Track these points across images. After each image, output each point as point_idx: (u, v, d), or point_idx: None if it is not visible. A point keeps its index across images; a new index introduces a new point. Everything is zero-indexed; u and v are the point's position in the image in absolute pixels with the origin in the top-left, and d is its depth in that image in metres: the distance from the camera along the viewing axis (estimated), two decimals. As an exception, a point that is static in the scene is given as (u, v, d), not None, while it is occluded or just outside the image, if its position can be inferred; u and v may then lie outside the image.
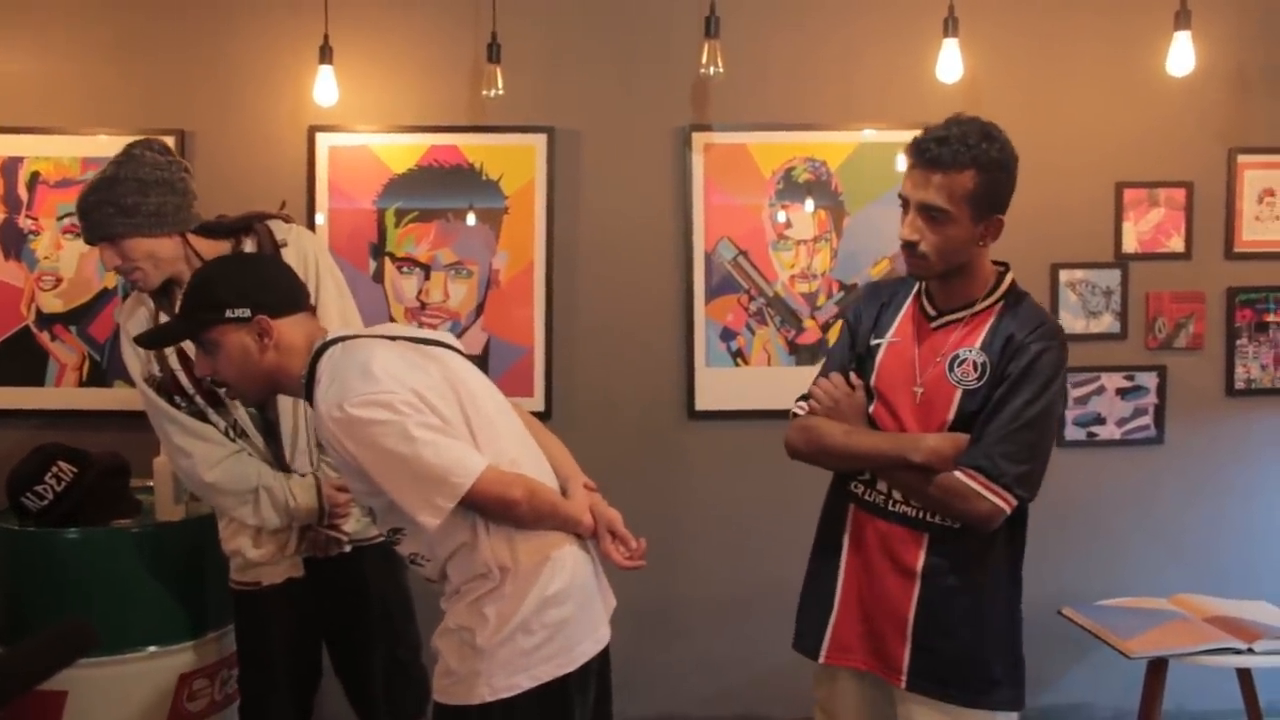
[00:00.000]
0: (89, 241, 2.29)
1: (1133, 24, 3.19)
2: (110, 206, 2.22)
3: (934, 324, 1.98)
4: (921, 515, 1.94)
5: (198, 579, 2.70)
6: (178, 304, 2.13)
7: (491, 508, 1.77)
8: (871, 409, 2.00)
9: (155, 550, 2.66)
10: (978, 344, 1.92)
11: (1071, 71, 3.23)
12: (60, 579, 2.64)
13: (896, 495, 1.96)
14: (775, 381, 3.23)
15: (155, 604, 2.67)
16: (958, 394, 1.90)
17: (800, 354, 3.27)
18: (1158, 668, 2.77)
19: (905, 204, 1.92)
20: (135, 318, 2.37)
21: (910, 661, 1.93)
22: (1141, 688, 2.81)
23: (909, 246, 1.91)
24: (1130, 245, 3.26)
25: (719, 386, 3.25)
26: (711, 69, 2.96)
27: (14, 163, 3.18)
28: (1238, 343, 3.29)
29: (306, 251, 2.40)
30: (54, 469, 2.66)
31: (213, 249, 2.33)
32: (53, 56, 3.18)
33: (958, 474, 1.86)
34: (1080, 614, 2.92)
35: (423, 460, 1.69)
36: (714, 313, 3.25)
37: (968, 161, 1.84)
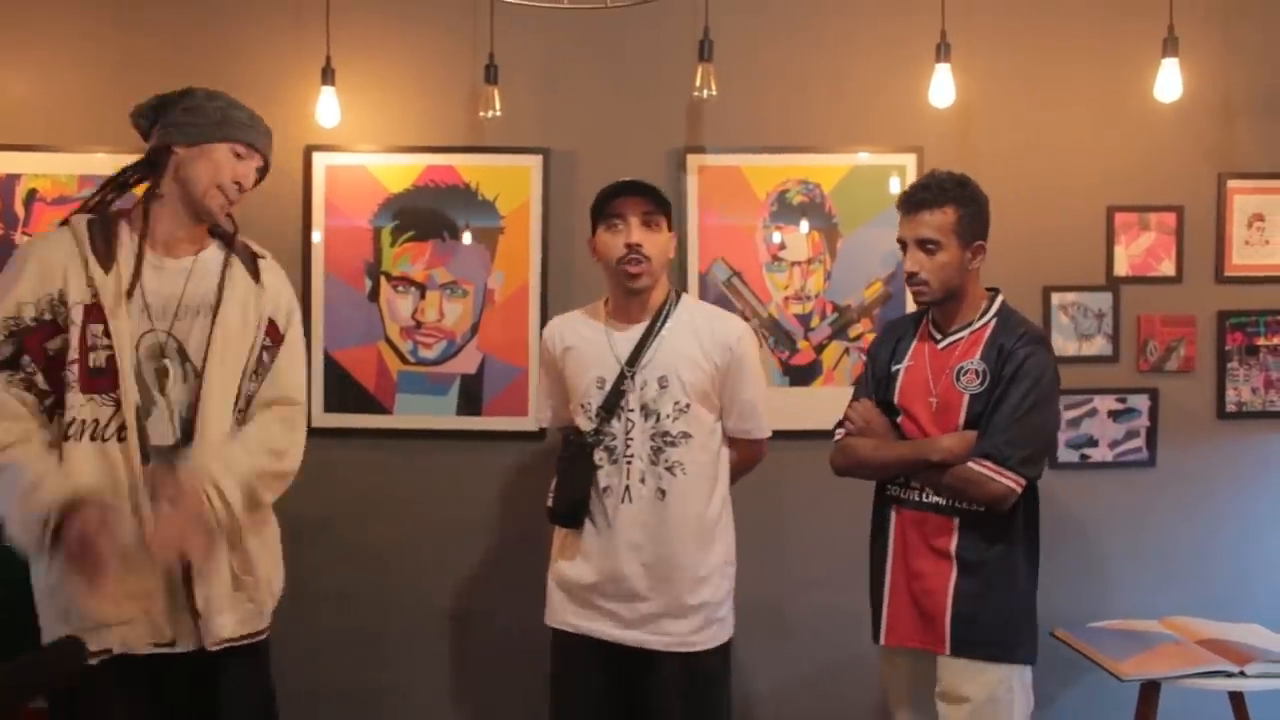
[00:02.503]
0: (251, 144, 2.18)
1: (1122, 50, 3.22)
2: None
3: (940, 344, 2.41)
4: (950, 503, 2.32)
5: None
6: (126, 249, 2.04)
7: None
8: (899, 421, 2.41)
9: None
10: (977, 355, 2.34)
11: (1062, 96, 3.26)
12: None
13: (927, 489, 2.35)
14: (769, 402, 3.19)
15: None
16: (965, 399, 2.32)
17: (794, 375, 3.28)
18: (1149, 691, 2.77)
19: (904, 245, 2.39)
20: (47, 250, 2.05)
21: (951, 630, 2.31)
22: (1134, 711, 2.81)
23: (911, 277, 2.37)
24: (1121, 269, 3.28)
25: (713, 407, 3.27)
26: (705, 92, 2.99)
27: (11, 180, 3.20)
28: (1229, 366, 3.30)
29: (281, 288, 2.28)
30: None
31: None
32: (53, 75, 3.21)
33: (970, 464, 2.26)
34: (1072, 636, 2.92)
35: None
36: (708, 333, 3.26)
37: (948, 200, 2.33)
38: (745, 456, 2.58)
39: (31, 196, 3.20)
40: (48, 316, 1.98)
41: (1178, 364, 3.29)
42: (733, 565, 2.50)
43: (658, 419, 2.38)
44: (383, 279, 3.24)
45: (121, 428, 1.98)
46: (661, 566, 2.37)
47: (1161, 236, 3.28)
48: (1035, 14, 3.26)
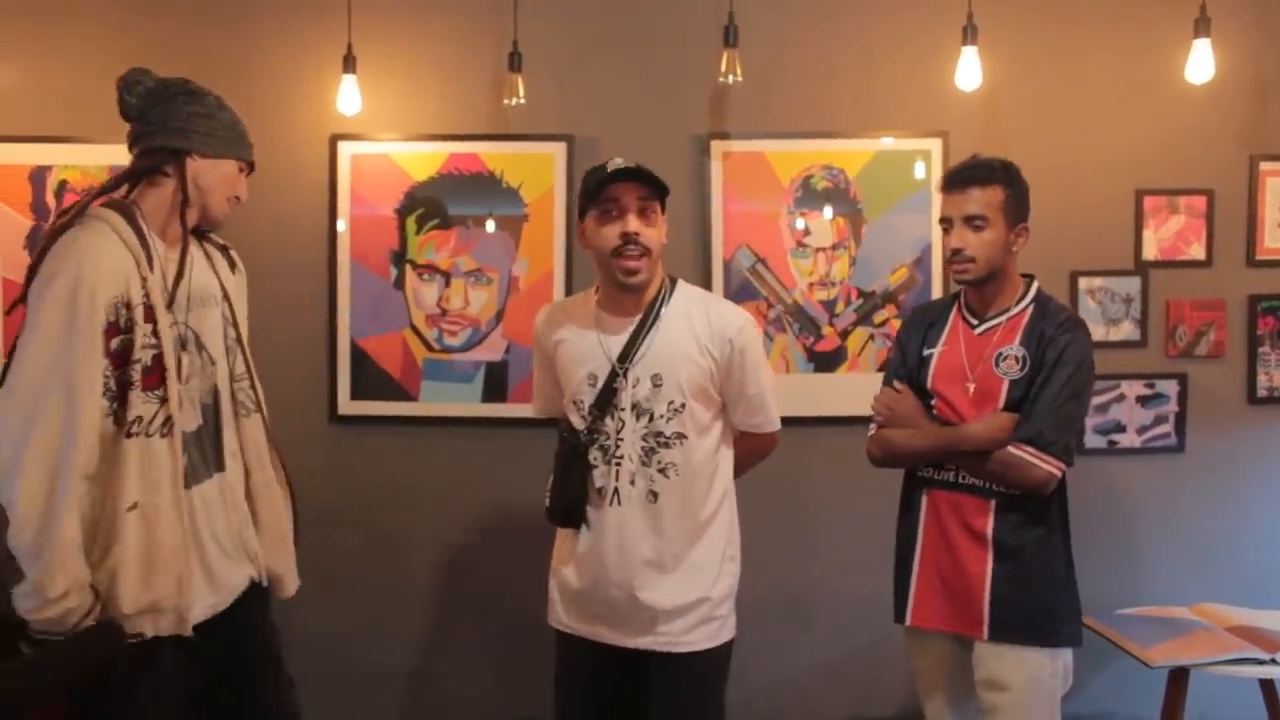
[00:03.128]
0: (249, 163, 2.22)
1: (1152, 31, 3.18)
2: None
3: (977, 330, 2.38)
4: (988, 485, 2.30)
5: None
6: (152, 246, 2.01)
7: None
8: (934, 405, 2.38)
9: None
10: (1016, 341, 2.31)
11: (1091, 78, 3.23)
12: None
13: (963, 472, 2.33)
14: (794, 389, 3.23)
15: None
16: (1005, 384, 2.30)
17: (819, 361, 3.27)
18: (1179, 678, 2.75)
19: (948, 223, 2.35)
20: (111, 244, 1.99)
21: (990, 614, 2.28)
22: (1163, 698, 2.79)
23: (956, 254, 2.33)
24: (1150, 253, 3.25)
25: (737, 393, 3.26)
26: (730, 77, 2.98)
27: (42, 171, 3.23)
28: (1260, 350, 3.27)
29: (244, 294, 2.31)
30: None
31: None
32: (80, 66, 3.23)
33: (1011, 449, 2.24)
34: (1101, 623, 2.90)
35: None
36: (732, 320, 3.26)
37: (996, 179, 2.32)
38: (754, 448, 2.44)
39: (62, 188, 3.23)
40: (112, 319, 1.96)
41: (1207, 349, 3.26)
42: (735, 562, 2.36)
43: (651, 418, 2.24)
44: (408, 267, 3.26)
45: (166, 421, 2.01)
46: (652, 569, 2.24)
47: (1191, 220, 3.24)
48: (1062, -5, 3.23)
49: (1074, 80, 3.23)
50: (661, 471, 2.24)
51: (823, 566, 3.31)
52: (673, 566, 2.26)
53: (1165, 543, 3.28)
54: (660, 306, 2.29)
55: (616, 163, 2.22)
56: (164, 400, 2.01)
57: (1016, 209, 2.32)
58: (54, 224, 2.05)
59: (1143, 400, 3.26)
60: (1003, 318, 2.35)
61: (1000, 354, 2.32)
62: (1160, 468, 3.28)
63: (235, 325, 2.24)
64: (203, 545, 2.08)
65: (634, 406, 2.24)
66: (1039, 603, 2.29)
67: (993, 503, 2.30)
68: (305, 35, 3.22)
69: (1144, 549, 3.27)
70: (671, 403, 2.24)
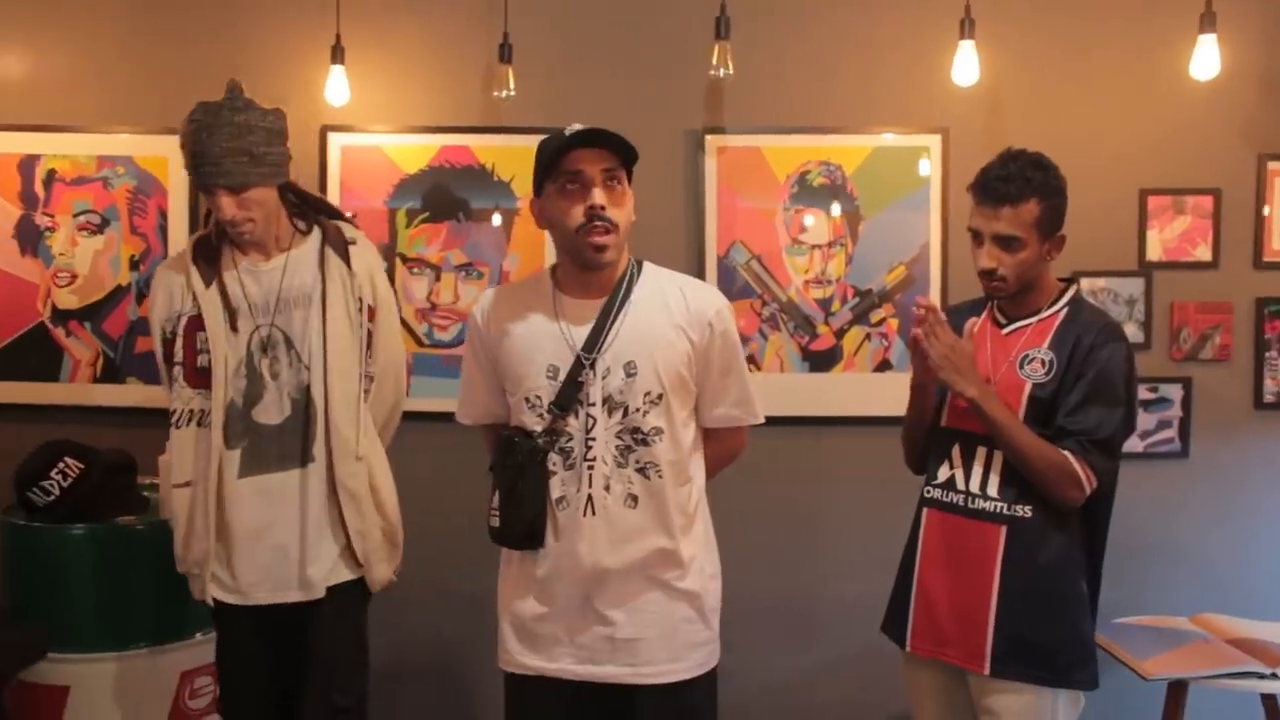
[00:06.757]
0: (212, 186, 2.23)
1: (1156, 26, 3.10)
2: (244, 156, 2.22)
3: (1005, 330, 2.24)
4: (999, 509, 2.13)
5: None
6: (226, 261, 2.33)
7: None
8: (951, 399, 2.23)
9: (158, 548, 2.62)
10: (1045, 344, 2.16)
11: (1093, 75, 3.15)
12: (64, 575, 2.66)
13: (975, 491, 2.16)
14: (788, 389, 3.18)
15: (157, 601, 2.68)
16: (1027, 387, 2.14)
17: (814, 361, 3.21)
18: (1177, 691, 2.68)
19: (977, 236, 2.17)
20: (168, 277, 2.40)
21: (994, 648, 2.11)
22: (1161, 711, 2.72)
23: (988, 273, 2.16)
24: (1155, 253, 3.17)
25: (730, 392, 3.20)
26: (721, 70, 2.92)
27: (31, 160, 3.21)
28: (1267, 354, 3.19)
29: (372, 268, 2.46)
30: (60, 464, 2.68)
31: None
32: (69, 54, 3.21)
33: (1070, 456, 2.07)
34: (1097, 632, 2.82)
35: None
36: (726, 318, 3.20)
37: (1030, 192, 2.12)
38: (726, 449, 2.19)
39: (51, 177, 3.21)
40: (171, 330, 2.35)
41: (1213, 352, 3.18)
42: (718, 580, 2.14)
43: (625, 413, 1.98)
44: (398, 261, 3.22)
45: (203, 415, 2.31)
46: (633, 586, 2.00)
47: (1197, 220, 3.17)
48: (1066, -11, 3.16)
49: (1077, 76, 3.15)
50: (642, 472, 1.99)
51: (820, 571, 3.25)
52: (658, 582, 2.02)
53: (1167, 550, 3.20)
54: (630, 285, 2.03)
55: (575, 127, 1.96)
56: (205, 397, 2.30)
57: (1052, 220, 2.15)
58: None
59: (1146, 404, 3.18)
60: (1033, 319, 2.21)
61: (1026, 356, 2.17)
62: (1163, 474, 3.20)
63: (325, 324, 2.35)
64: (232, 537, 2.30)
65: (605, 401, 1.98)
66: (1048, 639, 2.11)
67: (1004, 528, 2.12)
68: (296, 25, 3.18)
69: (1145, 556, 3.19)
70: (648, 394, 1.98)
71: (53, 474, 2.65)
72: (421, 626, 3.27)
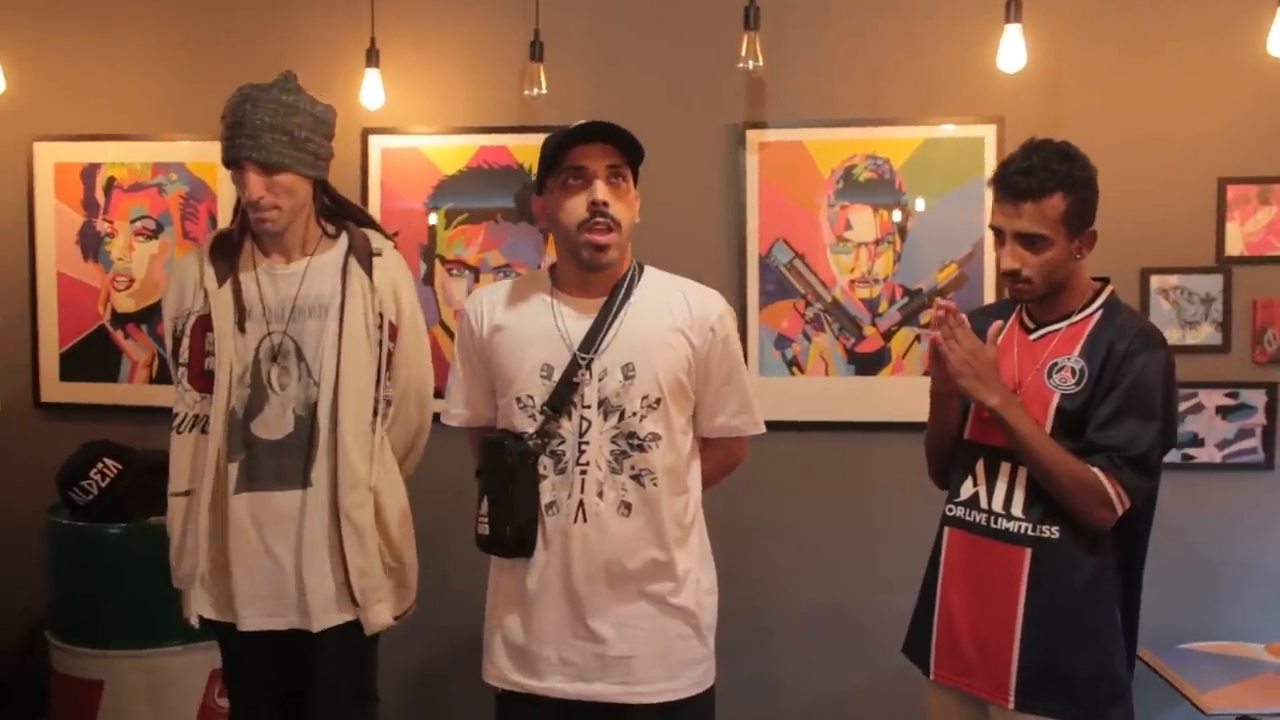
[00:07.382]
0: (243, 160, 2.11)
1: (1232, 1, 2.86)
2: (284, 135, 2.11)
3: (1033, 335, 2.07)
4: (1024, 530, 1.98)
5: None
6: (245, 259, 2.21)
7: None
8: (972, 408, 2.09)
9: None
10: (1075, 352, 1.99)
11: (1161, 54, 2.93)
12: (100, 572, 2.74)
13: (998, 510, 2.01)
14: (832, 392, 3.05)
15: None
16: (1055, 398, 1.98)
17: (859, 363, 3.07)
18: (1243, 725, 2.47)
19: (1000, 234, 2.01)
20: (182, 272, 2.26)
21: (1019, 680, 1.96)
22: (1225, 747, 2.51)
23: (1011, 274, 2.00)
24: (1235, 248, 2.93)
25: (772, 396, 3.05)
26: (751, 63, 2.81)
27: (92, 169, 3.32)
28: (1365, 358, 2.91)
29: (397, 282, 2.28)
30: (99, 465, 2.76)
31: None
32: (124, 64, 3.30)
33: (1100, 474, 1.92)
34: (1158, 658, 2.63)
35: None
36: (768, 319, 3.09)
37: (1054, 186, 1.94)
38: (724, 460, 2.13)
39: (110, 184, 3.32)
40: (180, 328, 2.22)
41: (1301, 355, 2.92)
42: (714, 595, 2.06)
43: (621, 416, 1.91)
44: (437, 262, 3.21)
45: (202, 421, 2.18)
46: (626, 598, 1.93)
47: (1284, 211, 2.91)
48: (1132, -36, 2.95)
49: (1143, 56, 2.93)
50: (637, 479, 1.92)
51: (863, 580, 3.11)
52: (652, 595, 1.95)
53: (1245, 571, 2.95)
54: (630, 286, 1.97)
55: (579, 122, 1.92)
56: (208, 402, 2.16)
57: (1081, 214, 1.97)
58: None
59: (1224, 411, 2.94)
60: (1062, 324, 2.04)
61: (1055, 364, 2.01)
62: (1243, 486, 2.95)
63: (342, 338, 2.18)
64: (228, 553, 2.16)
65: (601, 403, 1.91)
66: (1077, 672, 1.96)
67: (1029, 551, 1.97)
68: (337, 30, 3.20)
69: (1219, 577, 2.95)
70: (645, 397, 1.92)
71: (91, 474, 2.74)
72: (432, 624, 3.24)
